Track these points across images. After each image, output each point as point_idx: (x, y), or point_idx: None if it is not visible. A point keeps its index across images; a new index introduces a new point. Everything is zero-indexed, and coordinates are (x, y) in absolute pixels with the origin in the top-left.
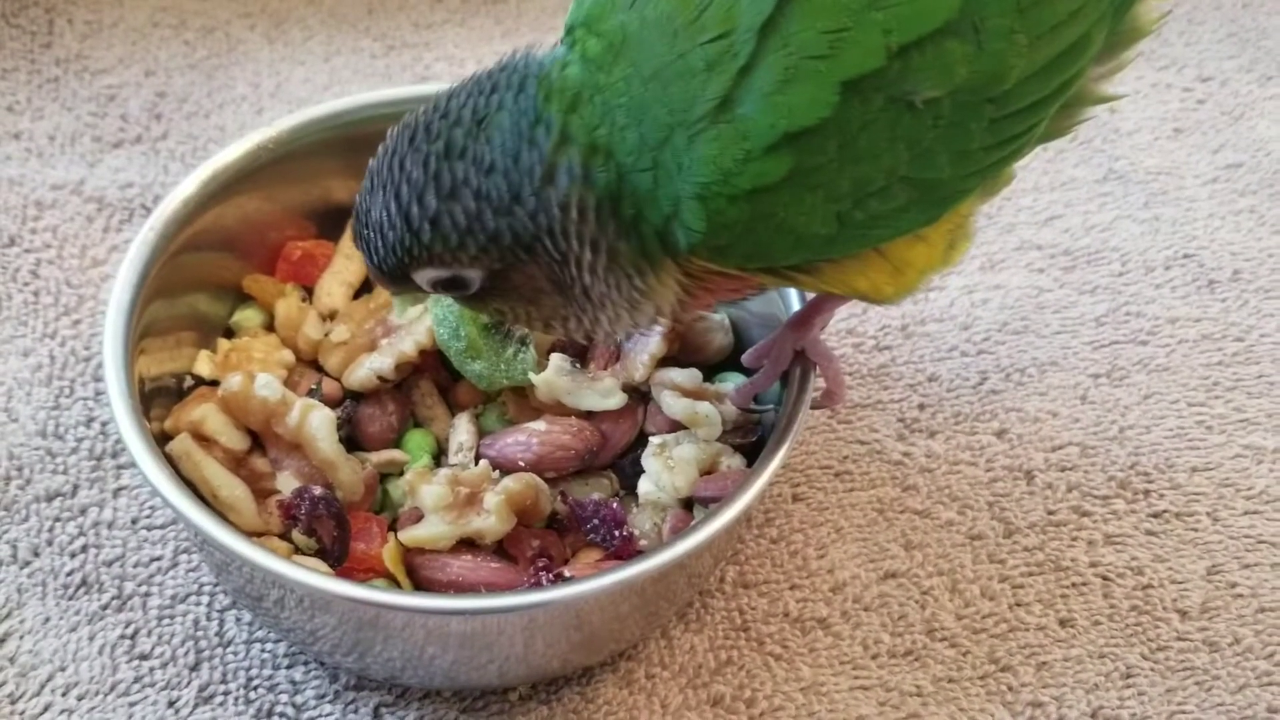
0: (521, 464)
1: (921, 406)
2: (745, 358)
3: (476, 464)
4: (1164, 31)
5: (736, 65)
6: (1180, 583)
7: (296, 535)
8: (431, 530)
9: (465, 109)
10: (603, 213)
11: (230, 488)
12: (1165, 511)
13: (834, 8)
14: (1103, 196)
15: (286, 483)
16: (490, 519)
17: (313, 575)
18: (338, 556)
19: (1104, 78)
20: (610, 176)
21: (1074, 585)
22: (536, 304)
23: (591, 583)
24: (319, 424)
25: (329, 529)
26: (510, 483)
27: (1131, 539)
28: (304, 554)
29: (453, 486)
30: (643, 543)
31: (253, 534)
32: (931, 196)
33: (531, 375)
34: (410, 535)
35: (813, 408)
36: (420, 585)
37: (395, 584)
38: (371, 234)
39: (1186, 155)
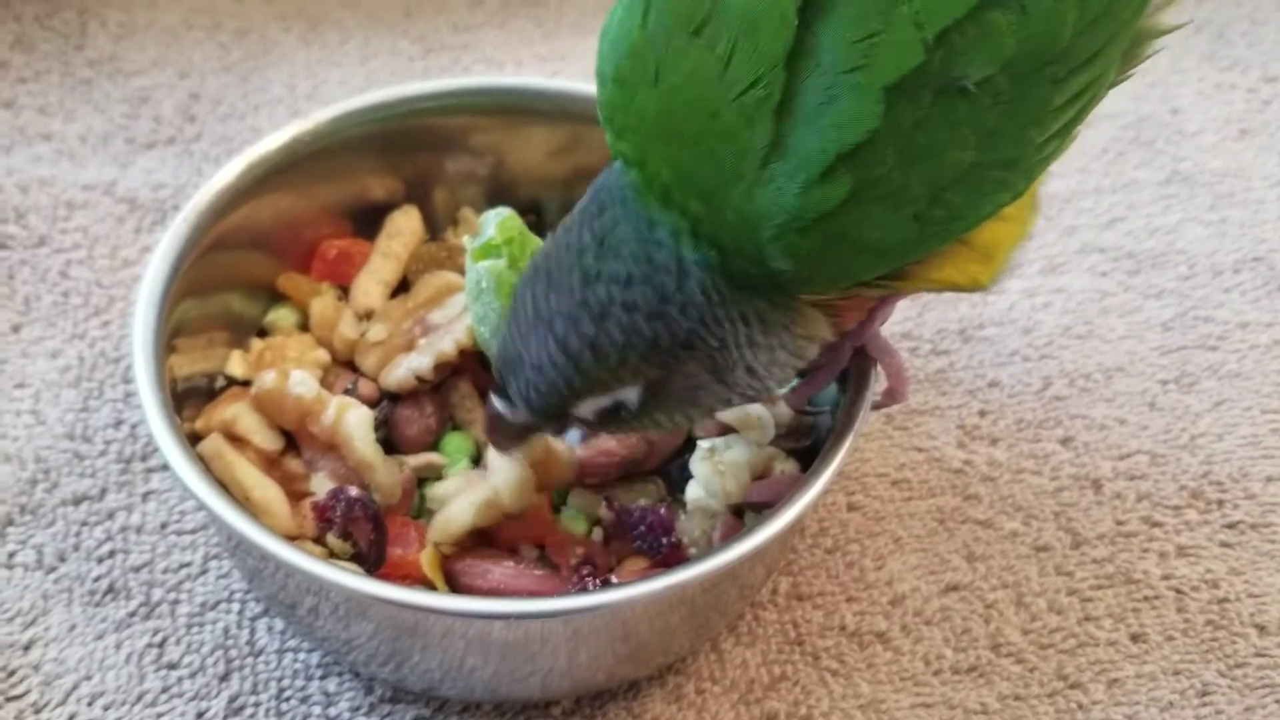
0: None
1: (982, 413)
2: None
3: None
4: (1226, 32)
5: (772, 105)
6: (1258, 596)
7: (331, 539)
8: (450, 510)
9: (584, 236)
10: (732, 284)
11: (263, 489)
12: (1240, 522)
13: (859, 15)
14: (1167, 199)
15: (321, 484)
16: (500, 473)
17: (351, 577)
18: (374, 561)
19: (1164, 5)
20: (712, 250)
21: (1146, 599)
22: (695, 402)
23: (639, 588)
24: (356, 423)
25: (365, 532)
26: None
27: (1205, 551)
28: (339, 559)
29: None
30: (691, 550)
31: (286, 538)
32: (1014, 173)
33: None
34: (434, 527)
35: (874, 408)
36: (460, 592)
37: (434, 591)
38: (529, 375)
39: (1253, 156)
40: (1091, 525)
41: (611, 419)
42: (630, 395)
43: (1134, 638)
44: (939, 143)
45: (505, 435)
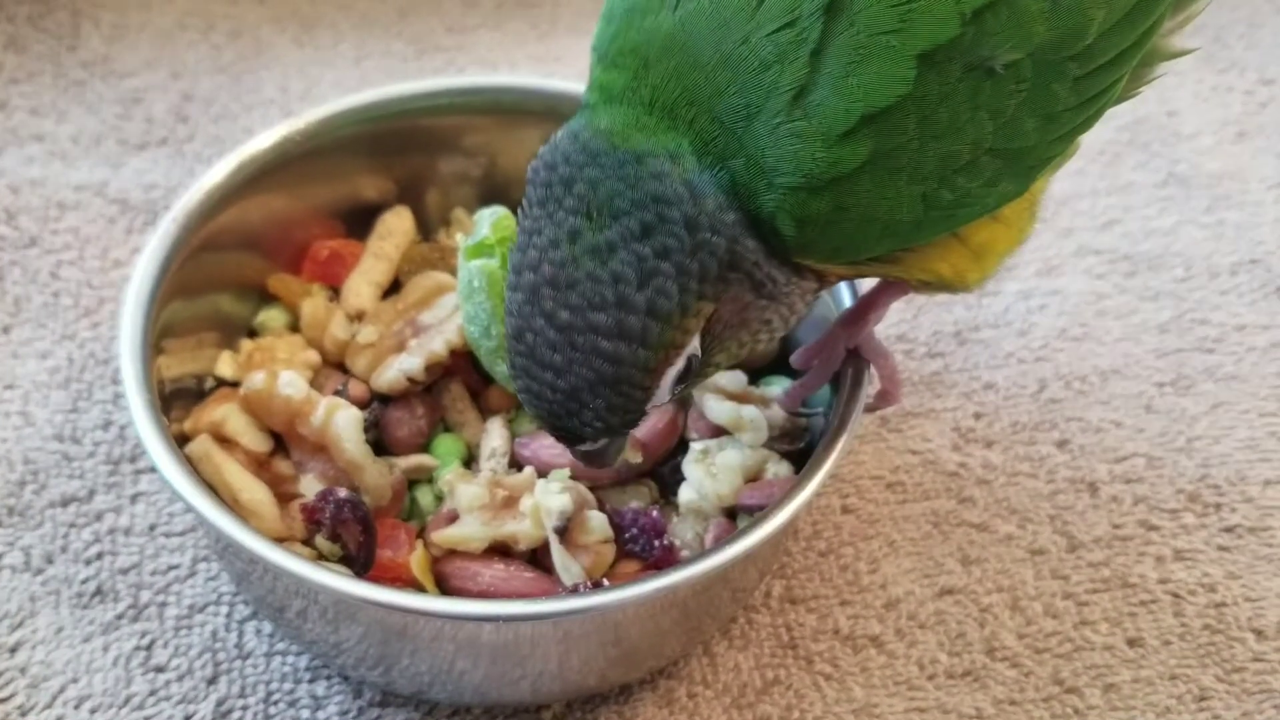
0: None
1: (977, 416)
2: (794, 359)
3: (510, 470)
4: (1223, 35)
5: (807, 50)
6: (1255, 600)
7: (320, 541)
8: (465, 530)
9: (562, 224)
10: (736, 210)
11: (252, 491)
12: (1238, 526)
13: None
14: (1163, 201)
15: (310, 486)
16: (525, 523)
17: (340, 580)
18: (364, 563)
19: (1175, 30)
20: (721, 170)
21: (1142, 603)
22: (746, 325)
23: (630, 590)
24: (345, 424)
25: (355, 534)
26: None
27: (1203, 554)
28: (328, 561)
29: (492, 489)
30: (684, 553)
31: (274, 540)
32: (1019, 166)
33: None
34: (443, 535)
35: (867, 410)
36: (450, 595)
37: (424, 594)
38: (597, 403)
39: (1251, 159)
40: (1088, 529)
41: (683, 378)
42: (695, 343)
43: (1131, 642)
44: (960, 120)
45: (605, 462)
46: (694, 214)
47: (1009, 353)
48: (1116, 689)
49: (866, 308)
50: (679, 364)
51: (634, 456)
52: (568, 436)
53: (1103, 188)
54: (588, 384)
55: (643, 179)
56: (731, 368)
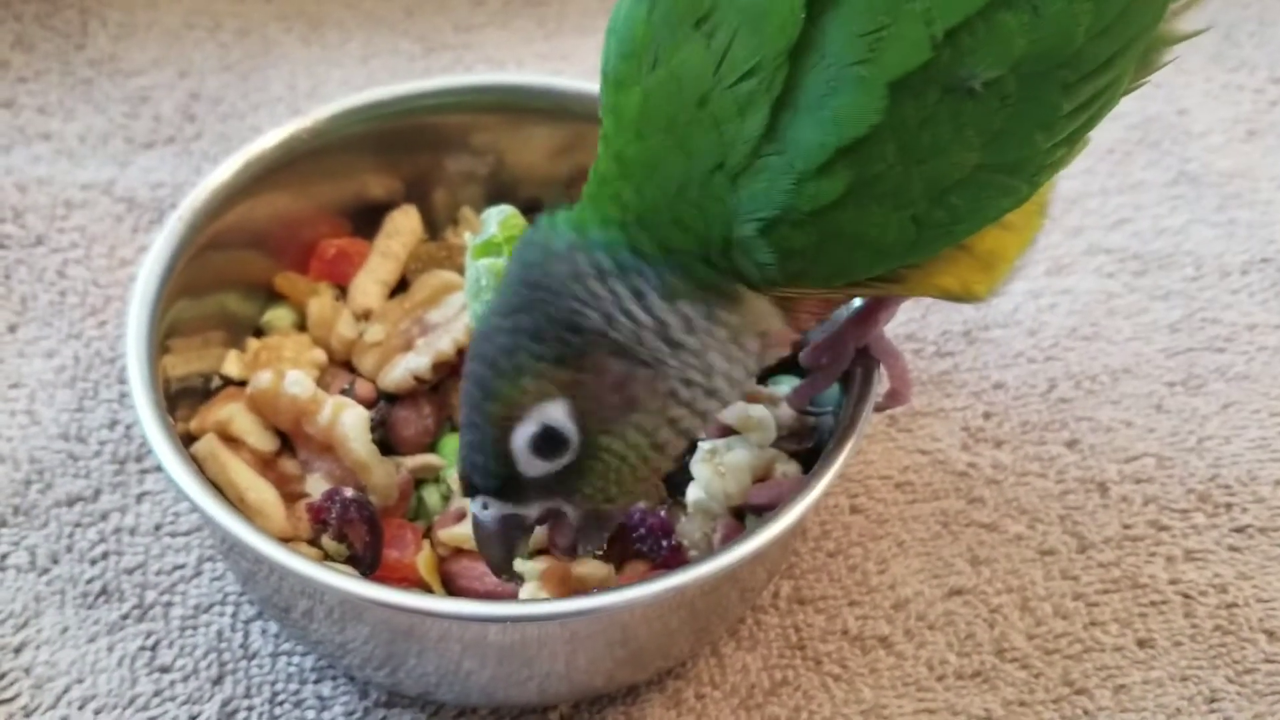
0: None
1: (987, 415)
2: (803, 357)
3: None
4: (1233, 33)
5: (772, 97)
6: (1267, 601)
7: (326, 541)
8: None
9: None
10: (668, 281)
11: (258, 490)
12: (1249, 526)
13: (868, 9)
14: (1174, 199)
15: (317, 486)
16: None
17: (346, 580)
18: (370, 564)
19: (1182, 13)
20: (649, 244)
21: (1153, 603)
22: (637, 406)
23: (638, 590)
24: (352, 423)
25: (361, 534)
26: None
27: (1214, 555)
28: (334, 561)
29: None
30: (692, 553)
31: (281, 539)
32: (1018, 178)
33: None
34: (450, 534)
35: (876, 409)
36: (456, 595)
37: (430, 594)
38: (468, 448)
39: (1261, 157)
40: (1098, 529)
41: (552, 450)
42: (556, 414)
43: (1141, 643)
44: (942, 142)
45: (498, 547)
46: (561, 284)
47: (1019, 352)
48: (1127, 690)
49: (876, 306)
50: (532, 429)
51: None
52: (472, 493)
53: (1112, 186)
54: (466, 438)
55: (544, 260)
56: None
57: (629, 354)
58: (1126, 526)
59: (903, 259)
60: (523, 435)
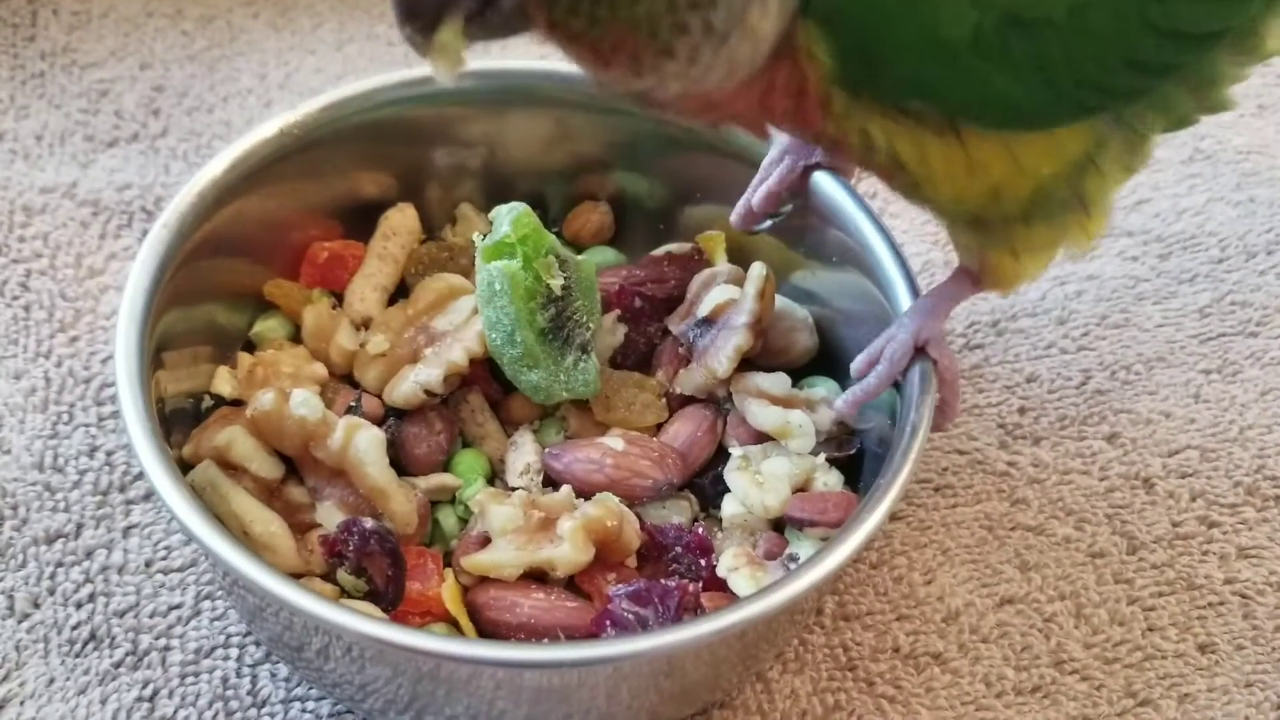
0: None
1: (1022, 410)
2: (856, 365)
3: (546, 489)
4: None
5: None
6: None
7: (342, 575)
8: (497, 556)
9: None
10: None
11: (265, 523)
12: None
13: None
14: (1191, 178)
15: (328, 515)
16: (564, 546)
17: (370, 622)
18: (392, 599)
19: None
20: None
21: (1210, 605)
22: None
23: (688, 630)
24: (367, 446)
25: (382, 568)
26: (589, 508)
27: (1268, 551)
28: (351, 596)
29: (526, 509)
30: (732, 574)
31: (291, 575)
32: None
33: None
34: (474, 561)
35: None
36: (486, 629)
37: (456, 628)
38: None
39: (1275, 132)
40: (1147, 528)
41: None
42: None
43: (1202, 648)
44: None
45: (416, 16)
46: None
47: (1050, 343)
48: (1192, 699)
49: (941, 299)
50: None
51: None
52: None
53: None
54: None
55: None
56: (769, 370)
57: None
58: (1176, 524)
59: (940, 83)
60: None
